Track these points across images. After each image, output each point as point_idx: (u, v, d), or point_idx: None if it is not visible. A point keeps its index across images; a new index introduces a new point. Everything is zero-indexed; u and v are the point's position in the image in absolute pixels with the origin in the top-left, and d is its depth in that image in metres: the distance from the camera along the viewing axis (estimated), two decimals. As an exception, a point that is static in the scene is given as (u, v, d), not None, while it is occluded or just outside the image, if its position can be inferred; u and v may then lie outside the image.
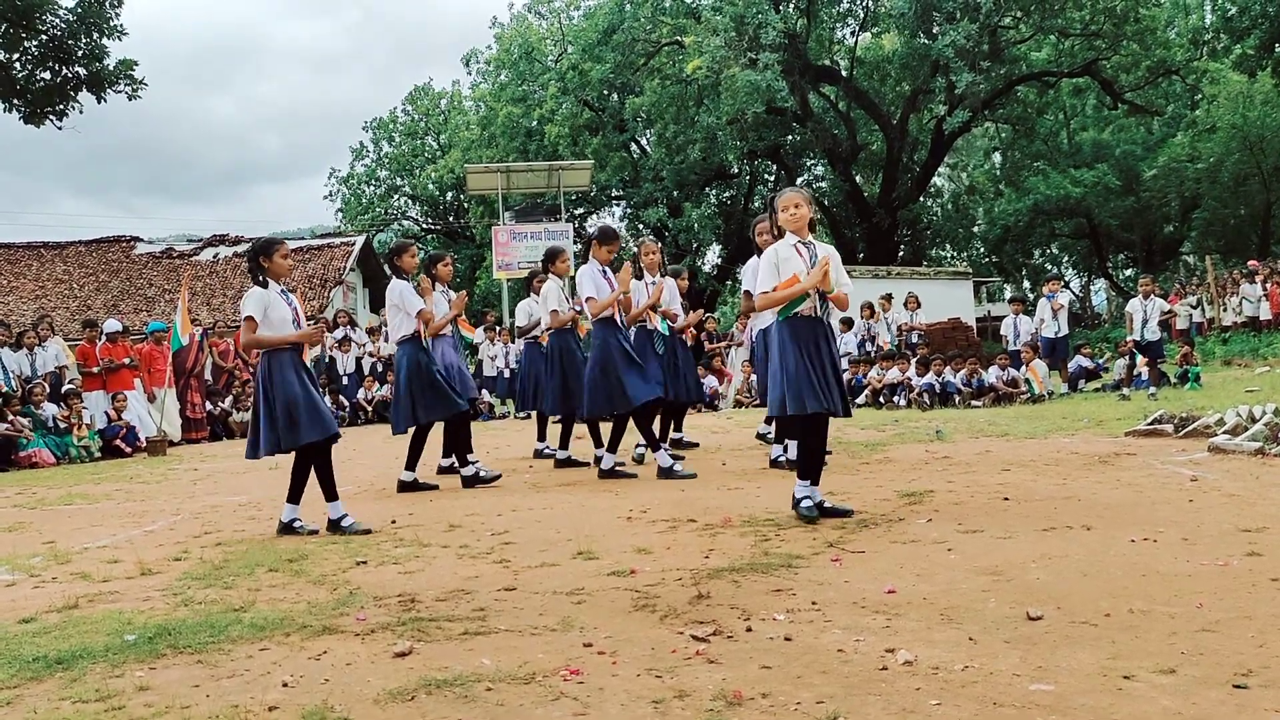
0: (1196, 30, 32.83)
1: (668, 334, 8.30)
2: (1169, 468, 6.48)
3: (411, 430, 7.50)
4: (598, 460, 7.99)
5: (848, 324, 17.45)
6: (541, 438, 9.53)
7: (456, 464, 8.52)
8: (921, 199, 34.23)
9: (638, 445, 8.40)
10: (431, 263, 8.20)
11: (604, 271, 7.61)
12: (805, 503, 5.26)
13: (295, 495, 5.77)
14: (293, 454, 5.75)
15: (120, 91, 20.24)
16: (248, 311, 5.68)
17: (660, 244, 8.97)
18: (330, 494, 5.78)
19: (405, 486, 7.46)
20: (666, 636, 3.28)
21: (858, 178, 33.81)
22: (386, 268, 7.71)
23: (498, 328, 18.54)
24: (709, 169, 32.53)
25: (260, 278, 5.78)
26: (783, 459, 7.54)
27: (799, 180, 35.30)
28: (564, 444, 8.58)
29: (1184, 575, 3.74)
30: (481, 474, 7.59)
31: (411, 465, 7.52)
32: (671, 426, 9.21)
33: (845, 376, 15.68)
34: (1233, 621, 3.15)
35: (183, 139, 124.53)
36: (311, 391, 5.74)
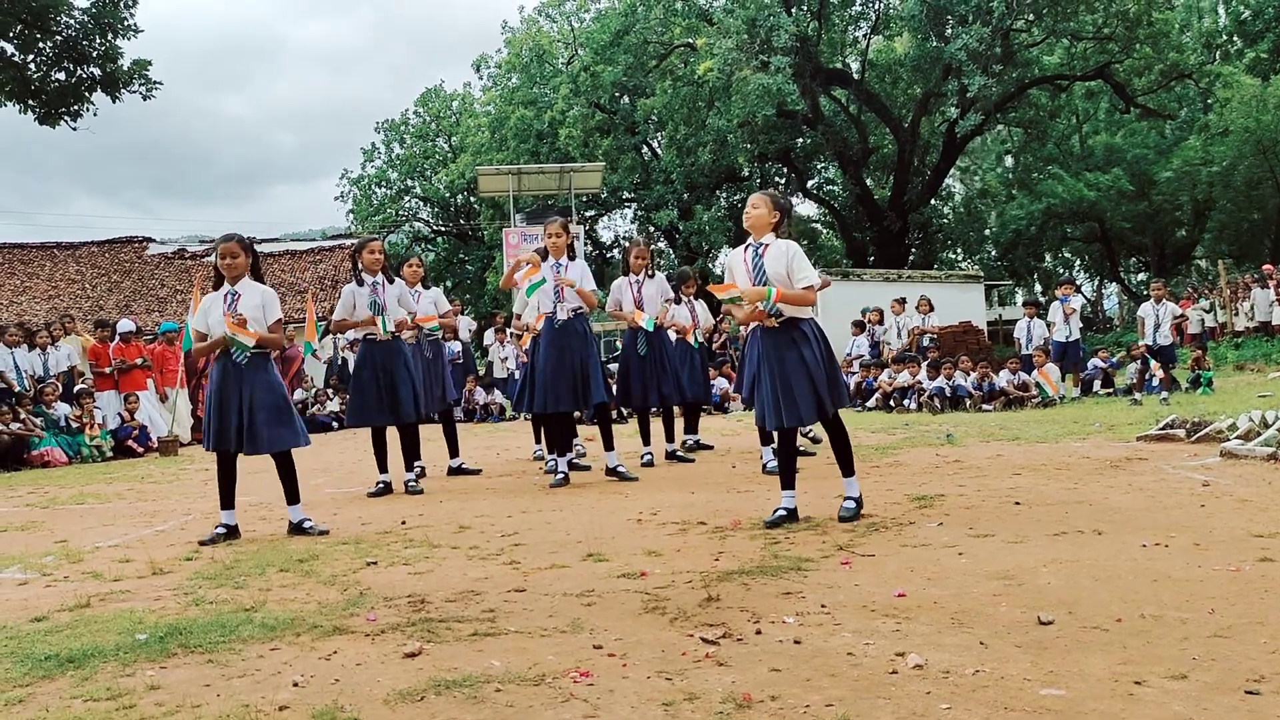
0: (1210, 34, 32.70)
1: (650, 330, 8.34)
2: (1181, 473, 6.45)
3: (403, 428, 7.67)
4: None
5: (860, 327, 17.45)
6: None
7: (464, 464, 8.56)
8: (933, 202, 34.15)
9: (645, 451, 8.41)
10: (398, 265, 8.44)
11: (556, 266, 7.41)
12: (778, 511, 5.30)
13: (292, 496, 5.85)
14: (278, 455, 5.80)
15: (134, 92, 20.30)
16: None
17: (650, 246, 9.03)
18: (296, 497, 5.86)
19: (454, 471, 8.23)
20: (676, 639, 3.28)
21: (869, 181, 33.74)
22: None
23: (507, 329, 18.56)
24: (719, 171, 32.53)
25: (216, 279, 5.86)
26: (769, 465, 7.58)
27: (809, 183, 35.30)
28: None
29: (1196, 580, 3.73)
30: (375, 490, 7.45)
31: (414, 460, 7.69)
32: (684, 427, 9.24)
33: (855, 379, 15.76)
34: (1245, 627, 3.13)
35: (198, 139, 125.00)
36: (227, 399, 5.63)
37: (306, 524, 5.75)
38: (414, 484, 7.46)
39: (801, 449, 8.13)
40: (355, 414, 7.42)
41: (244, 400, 5.61)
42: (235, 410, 5.61)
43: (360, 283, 7.35)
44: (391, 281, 7.46)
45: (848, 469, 5.36)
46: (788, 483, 5.34)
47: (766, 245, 5.32)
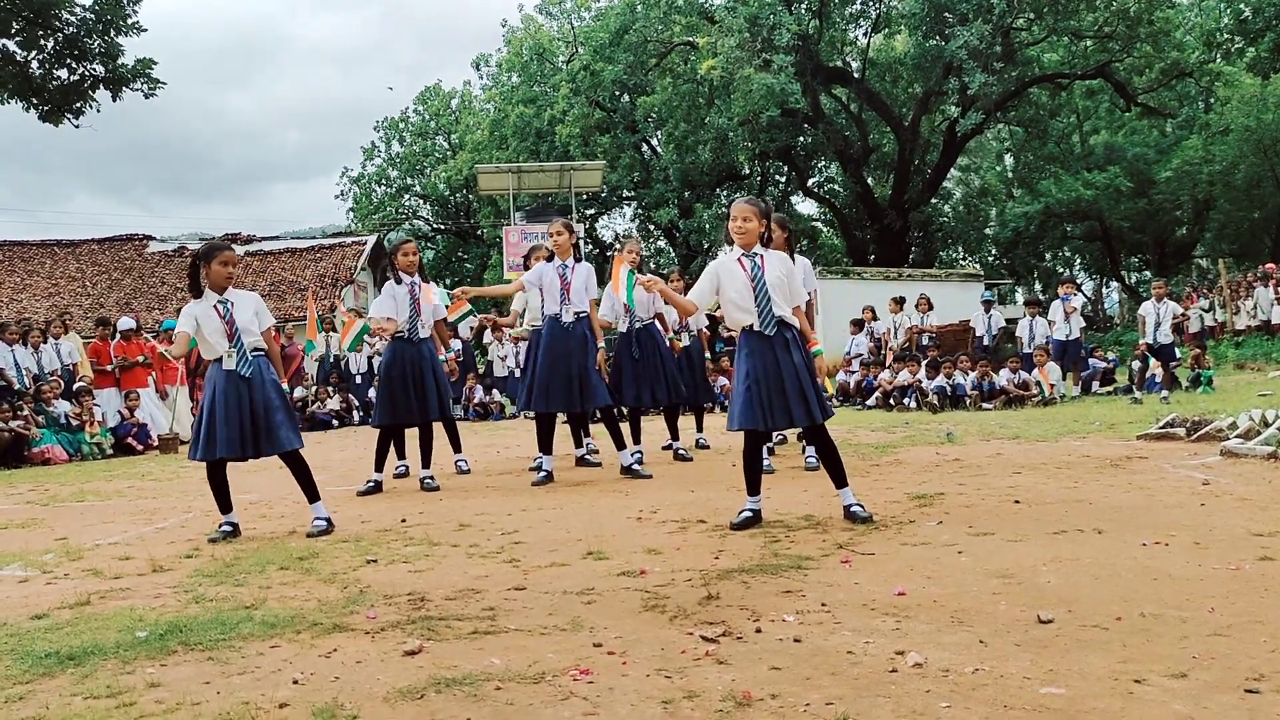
0: (1210, 32, 32.66)
1: (638, 328, 8.36)
2: (1181, 471, 6.45)
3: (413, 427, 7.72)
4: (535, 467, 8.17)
5: (859, 325, 17.46)
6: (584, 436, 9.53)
7: (460, 462, 8.57)
8: (933, 201, 34.12)
9: (635, 450, 8.40)
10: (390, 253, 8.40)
11: (563, 268, 7.49)
12: (743, 514, 5.28)
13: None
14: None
15: (137, 90, 20.27)
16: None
17: (640, 243, 9.08)
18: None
19: (463, 471, 8.22)
20: (676, 637, 3.28)
21: (869, 179, 33.73)
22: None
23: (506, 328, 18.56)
24: (720, 170, 32.52)
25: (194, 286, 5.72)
26: (813, 460, 7.62)
27: (810, 182, 35.28)
28: (578, 442, 8.62)
29: (1195, 579, 3.73)
30: (365, 489, 7.45)
31: (430, 458, 7.70)
32: (689, 427, 9.26)
33: (855, 378, 15.77)
34: (1245, 626, 3.13)
35: (201, 136, 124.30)
36: (232, 406, 5.48)
37: (322, 520, 5.71)
38: (430, 481, 7.51)
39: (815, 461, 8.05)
40: (386, 413, 7.47)
41: (255, 404, 5.51)
42: (247, 415, 5.50)
43: (399, 281, 7.47)
44: (427, 281, 7.57)
45: (841, 480, 5.29)
46: (754, 488, 5.31)
47: (762, 255, 5.28)
